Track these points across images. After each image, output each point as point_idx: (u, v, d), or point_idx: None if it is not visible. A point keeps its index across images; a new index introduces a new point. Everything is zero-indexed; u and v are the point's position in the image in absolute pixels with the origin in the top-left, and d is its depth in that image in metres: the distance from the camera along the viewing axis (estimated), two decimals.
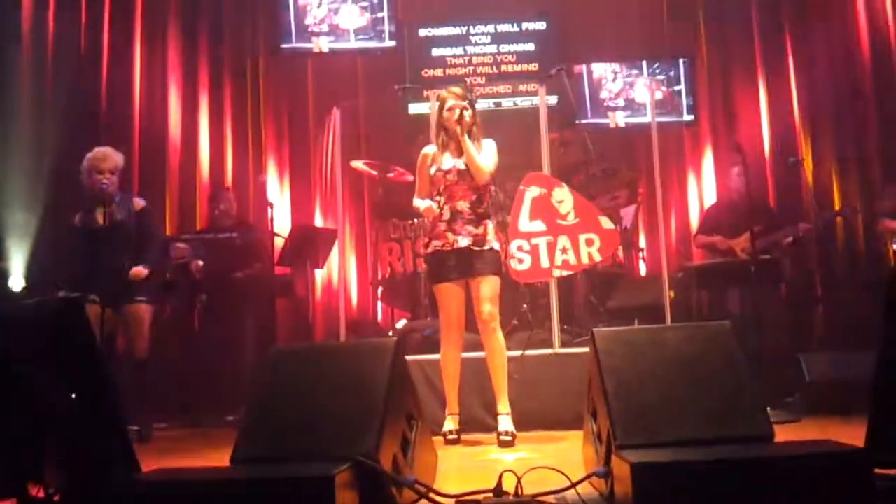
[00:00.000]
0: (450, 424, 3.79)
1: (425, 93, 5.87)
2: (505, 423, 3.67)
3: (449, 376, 3.82)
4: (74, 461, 2.20)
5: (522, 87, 6.47)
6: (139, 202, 4.61)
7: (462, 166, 3.76)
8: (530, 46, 6.49)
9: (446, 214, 3.75)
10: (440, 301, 3.79)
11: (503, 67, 6.51)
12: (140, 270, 4.43)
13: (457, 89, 3.91)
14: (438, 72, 6.45)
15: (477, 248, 3.70)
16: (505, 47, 6.52)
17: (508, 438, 3.58)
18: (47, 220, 5.19)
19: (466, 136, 3.73)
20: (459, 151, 3.79)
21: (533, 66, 6.46)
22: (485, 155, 3.79)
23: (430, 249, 3.80)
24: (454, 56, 6.50)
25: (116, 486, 1.99)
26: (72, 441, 2.20)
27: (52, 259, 4.98)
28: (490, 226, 3.80)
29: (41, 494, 2.21)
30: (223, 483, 2.02)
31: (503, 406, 3.72)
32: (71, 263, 4.47)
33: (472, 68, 6.50)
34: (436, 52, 6.51)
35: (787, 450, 2.14)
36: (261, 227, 5.35)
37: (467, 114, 3.76)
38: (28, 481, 2.25)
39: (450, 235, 3.72)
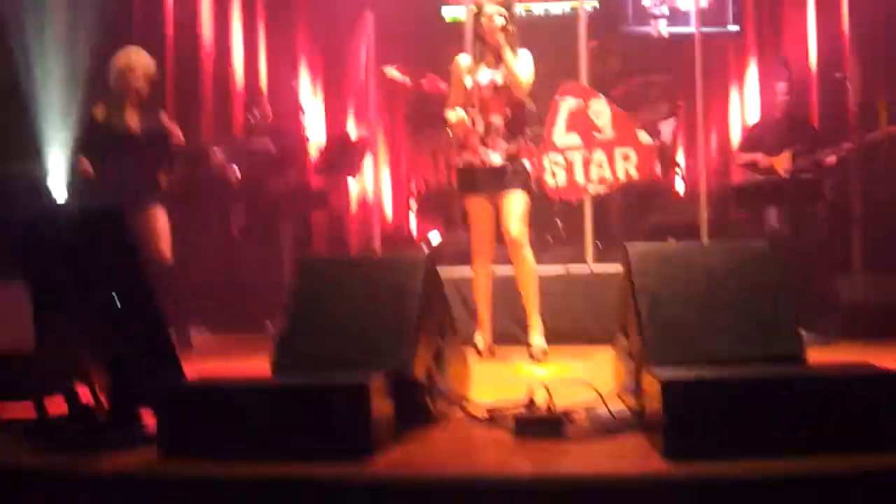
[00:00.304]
0: (482, 339, 3.82)
1: None
2: (537, 338, 3.71)
3: (481, 291, 3.83)
4: (119, 365, 2.28)
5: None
6: (164, 114, 4.50)
7: (499, 79, 3.68)
8: None
9: (480, 128, 3.67)
10: (471, 214, 3.80)
11: None
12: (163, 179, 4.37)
13: None
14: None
15: (509, 165, 3.67)
16: None
17: (540, 353, 3.63)
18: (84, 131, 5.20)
19: (507, 48, 3.62)
20: (496, 63, 3.69)
21: None
22: (522, 66, 3.68)
23: (461, 163, 3.76)
24: None
25: (161, 390, 2.06)
26: (116, 345, 2.28)
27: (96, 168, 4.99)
28: (522, 143, 3.75)
29: (88, 397, 2.30)
30: (263, 390, 2.08)
31: (535, 322, 3.75)
32: (93, 165, 4.27)
33: None
34: None
35: (819, 371, 2.15)
36: (294, 134, 5.31)
37: (507, 23, 3.63)
38: (75, 380, 2.34)
39: (482, 150, 3.67)
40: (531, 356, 3.64)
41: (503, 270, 3.97)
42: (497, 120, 3.68)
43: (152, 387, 2.08)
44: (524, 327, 3.85)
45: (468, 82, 3.72)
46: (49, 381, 2.37)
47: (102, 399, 2.28)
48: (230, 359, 3.99)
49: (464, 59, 3.81)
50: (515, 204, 3.65)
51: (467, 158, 3.72)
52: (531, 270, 3.74)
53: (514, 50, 3.67)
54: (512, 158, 3.67)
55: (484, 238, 3.77)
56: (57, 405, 2.29)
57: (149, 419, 2.17)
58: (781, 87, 5.04)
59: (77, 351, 2.32)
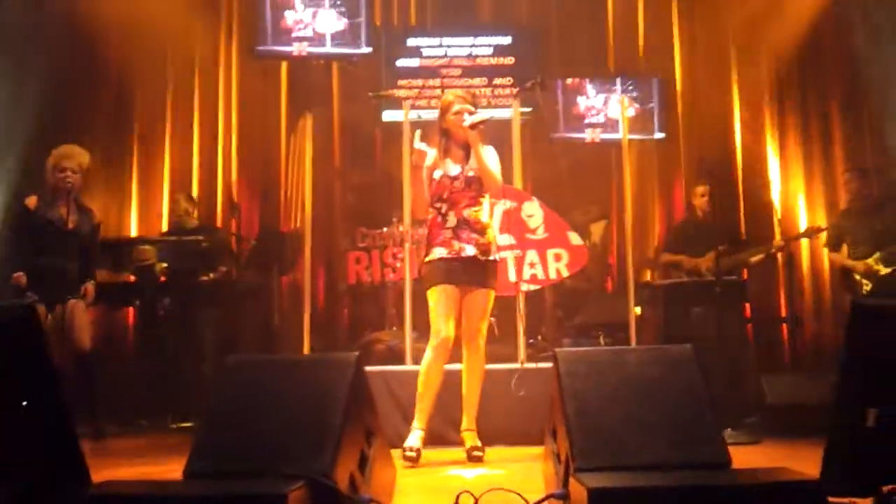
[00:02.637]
0: (413, 440, 3.56)
1: (396, 92, 5.86)
2: (474, 438, 3.61)
3: (428, 388, 3.58)
4: (24, 472, 2.14)
5: (498, 91, 6.45)
6: (96, 216, 4.65)
7: (471, 173, 3.62)
8: (509, 60, 6.52)
9: (451, 222, 3.60)
10: (433, 304, 3.54)
11: (478, 61, 6.53)
12: (90, 289, 4.48)
13: (461, 92, 3.78)
14: (415, 61, 6.44)
15: (483, 258, 3.59)
16: (480, 46, 6.52)
17: (480, 454, 3.52)
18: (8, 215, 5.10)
19: (479, 144, 3.58)
20: (463, 157, 3.65)
21: (509, 60, 6.46)
22: (493, 163, 3.65)
23: (432, 257, 3.60)
24: (430, 46, 6.49)
25: (66, 499, 1.94)
26: (21, 451, 2.15)
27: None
28: (492, 235, 3.69)
29: None
30: (174, 499, 1.97)
31: (472, 422, 3.65)
32: (20, 253, 4.38)
33: (447, 59, 6.49)
34: (411, 41, 6.49)
35: (742, 478, 2.15)
36: (227, 230, 5.30)
37: (477, 118, 3.59)
38: None
39: (455, 244, 3.57)
40: (472, 457, 3.51)
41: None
42: (469, 213, 3.61)
43: (57, 495, 1.95)
44: (455, 428, 3.77)
45: (438, 175, 3.64)
46: None
47: None
48: (146, 461, 3.80)
49: (429, 153, 3.66)
50: (485, 302, 3.60)
51: (440, 252, 3.57)
52: (483, 370, 3.66)
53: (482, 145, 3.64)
54: (485, 250, 3.60)
55: (442, 328, 3.50)
56: None
57: None
58: (700, 190, 5.27)
59: None
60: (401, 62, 6.42)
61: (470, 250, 3.56)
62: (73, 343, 4.37)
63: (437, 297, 3.54)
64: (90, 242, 4.54)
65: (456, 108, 3.65)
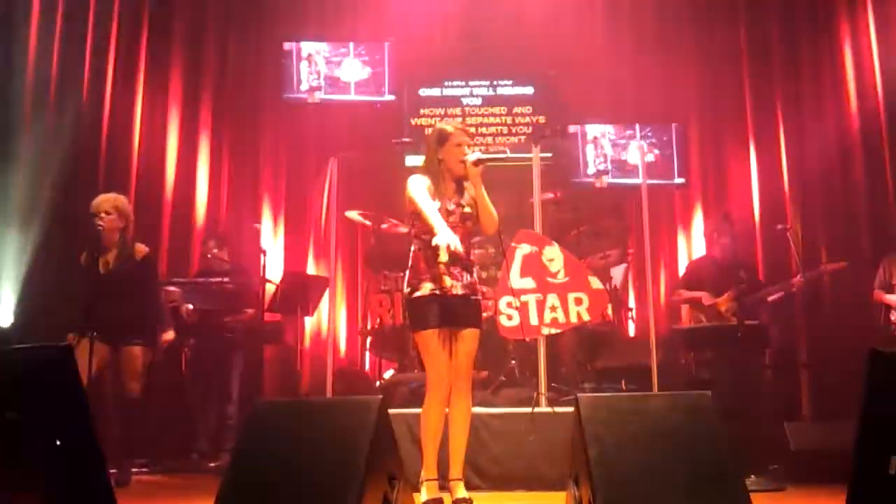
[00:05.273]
0: (430, 492, 3.36)
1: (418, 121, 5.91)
2: (462, 489, 3.42)
3: (432, 435, 3.41)
4: None
5: (518, 119, 6.64)
6: (142, 249, 4.61)
7: (467, 209, 3.49)
8: (528, 90, 6.72)
9: (443, 257, 3.31)
10: (432, 349, 3.35)
11: (499, 91, 6.73)
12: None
13: (460, 125, 3.61)
14: (436, 91, 6.70)
15: (473, 298, 3.46)
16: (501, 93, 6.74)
17: None
18: (41, 255, 5.23)
19: (481, 184, 3.46)
20: (455, 192, 3.50)
21: (528, 90, 6.66)
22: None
23: (422, 292, 3.39)
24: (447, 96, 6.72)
25: None
26: (54, 488, 2.20)
27: (47, 294, 5.03)
28: (475, 274, 3.57)
29: None
30: None
31: (460, 471, 3.45)
32: (74, 303, 4.48)
33: (468, 89, 6.73)
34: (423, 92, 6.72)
35: None
36: (253, 273, 5.38)
37: (485, 156, 3.48)
38: None
39: (447, 280, 3.38)
40: None
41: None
42: (460, 250, 3.38)
43: None
44: (474, 471, 3.73)
45: (436, 205, 3.42)
46: None
47: None
48: (170, 501, 3.84)
49: (424, 180, 3.48)
50: (475, 342, 3.46)
51: (431, 287, 3.38)
52: (470, 414, 3.51)
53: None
54: (473, 289, 3.48)
55: (445, 375, 3.36)
56: None
57: None
58: (720, 228, 5.28)
59: (9, 495, 2.23)
60: (423, 91, 6.66)
61: (460, 288, 3.42)
62: (122, 388, 4.44)
63: (433, 343, 3.37)
64: (142, 278, 4.54)
65: (459, 140, 3.50)
